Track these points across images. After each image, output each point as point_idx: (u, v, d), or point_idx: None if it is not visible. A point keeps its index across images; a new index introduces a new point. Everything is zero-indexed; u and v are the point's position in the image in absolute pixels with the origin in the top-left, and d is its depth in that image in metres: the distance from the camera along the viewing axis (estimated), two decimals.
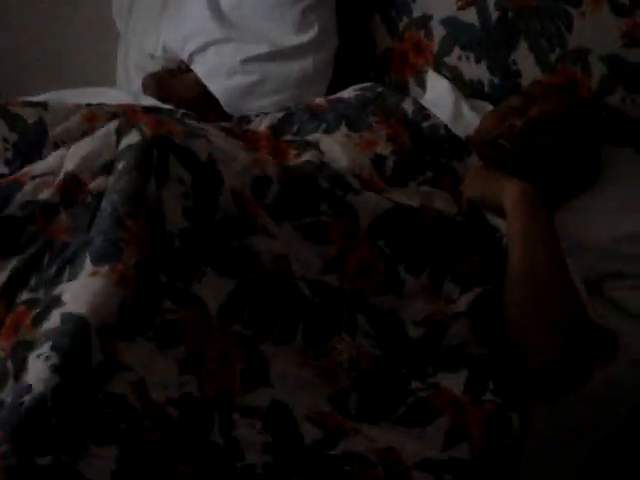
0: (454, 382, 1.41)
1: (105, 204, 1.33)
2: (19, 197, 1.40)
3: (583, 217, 1.80)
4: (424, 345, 1.46)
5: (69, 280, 1.29)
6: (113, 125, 1.45)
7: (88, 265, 1.27)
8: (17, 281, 1.34)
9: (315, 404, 1.32)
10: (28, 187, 1.41)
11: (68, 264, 1.32)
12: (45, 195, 1.40)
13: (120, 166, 1.36)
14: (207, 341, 1.30)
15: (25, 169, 1.48)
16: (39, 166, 1.47)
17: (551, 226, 1.56)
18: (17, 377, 1.18)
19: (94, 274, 1.25)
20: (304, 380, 1.35)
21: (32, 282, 1.34)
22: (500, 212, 1.60)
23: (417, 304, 1.50)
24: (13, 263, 1.36)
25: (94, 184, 1.40)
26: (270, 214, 1.44)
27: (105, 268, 1.25)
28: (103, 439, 1.17)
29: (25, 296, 1.32)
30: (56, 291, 1.28)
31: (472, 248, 1.57)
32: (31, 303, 1.30)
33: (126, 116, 1.49)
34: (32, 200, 1.40)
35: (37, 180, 1.42)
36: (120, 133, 1.43)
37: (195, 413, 1.25)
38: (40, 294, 1.31)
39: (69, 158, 1.45)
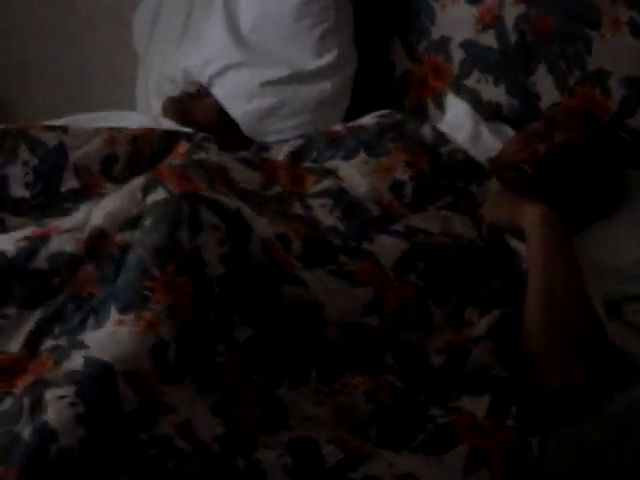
0: (477, 406, 1.40)
1: (131, 257, 1.35)
2: (45, 251, 1.42)
3: (603, 240, 1.80)
4: (446, 372, 1.45)
5: (94, 329, 1.29)
6: (139, 182, 1.48)
7: (114, 314, 1.27)
8: (41, 331, 1.35)
9: (336, 434, 1.32)
10: (54, 240, 1.43)
11: (92, 313, 1.33)
12: (70, 248, 1.42)
13: (147, 222, 1.39)
14: (238, 388, 1.30)
15: (53, 224, 1.50)
16: (67, 220, 1.49)
17: (571, 250, 1.56)
18: (32, 412, 1.16)
19: (120, 322, 1.26)
20: (322, 419, 1.34)
21: (56, 331, 1.35)
22: (520, 236, 1.60)
23: (441, 335, 1.49)
24: (38, 314, 1.37)
25: (120, 237, 1.42)
26: (301, 262, 1.45)
27: (131, 317, 1.26)
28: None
29: (48, 344, 1.33)
30: (79, 337, 1.29)
31: (492, 272, 1.58)
32: (53, 349, 1.30)
33: (152, 173, 1.50)
34: (58, 253, 1.41)
35: (64, 235, 1.44)
36: (146, 190, 1.45)
37: (225, 449, 1.24)
38: (63, 341, 1.31)
39: (95, 213, 1.47)
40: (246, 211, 1.45)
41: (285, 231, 1.49)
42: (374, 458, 1.28)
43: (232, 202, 1.44)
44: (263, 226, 1.45)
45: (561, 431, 1.47)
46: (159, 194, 1.42)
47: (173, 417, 1.21)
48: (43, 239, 1.44)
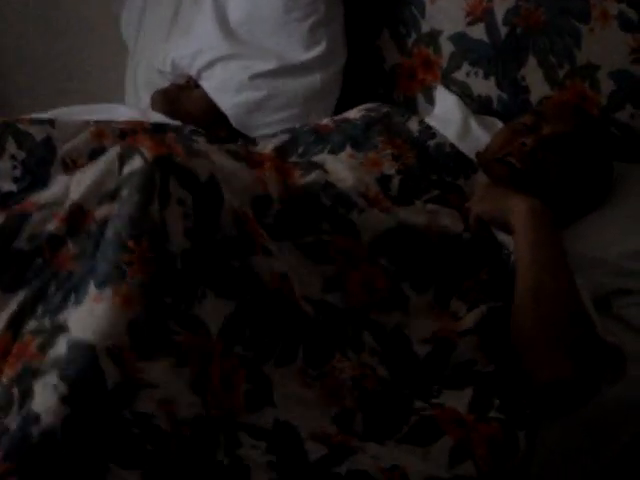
0: (459, 401, 1.40)
1: (109, 230, 1.34)
2: (27, 230, 1.41)
3: (591, 233, 1.80)
4: (431, 363, 1.46)
5: (74, 306, 1.29)
6: (115, 151, 1.45)
7: (92, 290, 1.27)
8: (24, 312, 1.35)
9: (319, 424, 1.32)
10: (35, 218, 1.42)
11: (73, 291, 1.32)
12: (51, 227, 1.41)
13: (123, 193, 1.37)
14: (210, 363, 1.29)
15: (31, 198, 1.48)
16: (45, 195, 1.47)
17: (559, 243, 1.56)
18: (22, 404, 1.18)
19: (98, 298, 1.25)
20: (307, 400, 1.34)
21: (39, 312, 1.34)
22: (508, 229, 1.59)
23: (424, 321, 1.49)
24: (21, 296, 1.36)
25: (98, 212, 1.40)
26: (270, 233, 1.44)
27: (108, 292, 1.25)
28: (128, 462, 1.17)
29: (31, 325, 1.32)
30: (61, 317, 1.28)
31: (479, 265, 1.58)
32: (37, 331, 1.30)
33: (128, 141, 1.48)
34: (39, 233, 1.40)
35: (44, 211, 1.43)
36: (122, 159, 1.43)
37: (202, 433, 1.25)
38: (46, 322, 1.31)
39: (74, 187, 1.46)
40: (219, 175, 1.42)
41: (267, 190, 1.48)
42: (358, 452, 1.29)
43: (205, 167, 1.41)
44: (238, 191, 1.44)
45: (551, 424, 1.48)
46: (135, 162, 1.39)
47: (154, 392, 1.22)
48: (23, 216, 1.43)
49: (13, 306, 1.35)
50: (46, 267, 1.39)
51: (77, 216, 1.41)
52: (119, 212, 1.35)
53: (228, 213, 1.39)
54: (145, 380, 1.22)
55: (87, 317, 1.24)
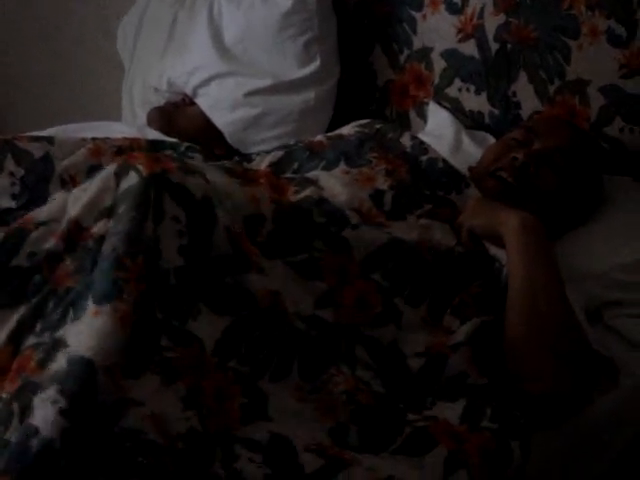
0: (451, 412, 1.41)
1: (105, 246, 1.34)
2: (26, 246, 1.41)
3: (582, 246, 1.81)
4: (424, 376, 1.46)
5: (72, 322, 1.29)
6: (112, 169, 1.46)
7: (91, 305, 1.27)
8: (23, 328, 1.35)
9: (314, 437, 1.33)
10: (34, 236, 1.43)
11: (71, 306, 1.33)
12: (50, 244, 1.42)
13: (120, 210, 1.38)
14: (204, 378, 1.30)
15: (29, 215, 1.49)
16: (43, 212, 1.48)
17: (551, 256, 1.56)
18: (22, 418, 1.18)
19: (97, 313, 1.26)
20: (302, 414, 1.35)
21: (38, 328, 1.35)
22: (500, 242, 1.60)
23: (417, 336, 1.50)
24: (20, 312, 1.37)
25: (96, 228, 1.41)
26: (262, 251, 1.45)
27: (107, 307, 1.26)
28: (121, 474, 1.17)
29: (31, 341, 1.33)
30: (60, 332, 1.29)
31: (471, 279, 1.58)
32: (36, 346, 1.30)
33: (124, 158, 1.49)
34: (38, 250, 1.41)
35: (42, 229, 1.44)
36: (119, 176, 1.43)
37: (198, 446, 1.25)
38: (45, 337, 1.31)
39: (71, 204, 1.46)
40: (213, 193, 1.44)
41: (261, 209, 1.49)
42: (354, 464, 1.29)
43: (200, 186, 1.43)
44: (231, 210, 1.45)
45: (544, 435, 1.48)
46: (131, 179, 1.40)
47: (141, 409, 1.22)
48: (22, 233, 1.43)
49: (12, 322, 1.36)
50: (45, 283, 1.39)
51: (75, 232, 1.42)
52: (115, 228, 1.36)
53: (222, 231, 1.41)
54: (131, 398, 1.22)
55: (86, 332, 1.25)
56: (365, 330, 1.48)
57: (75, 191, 1.49)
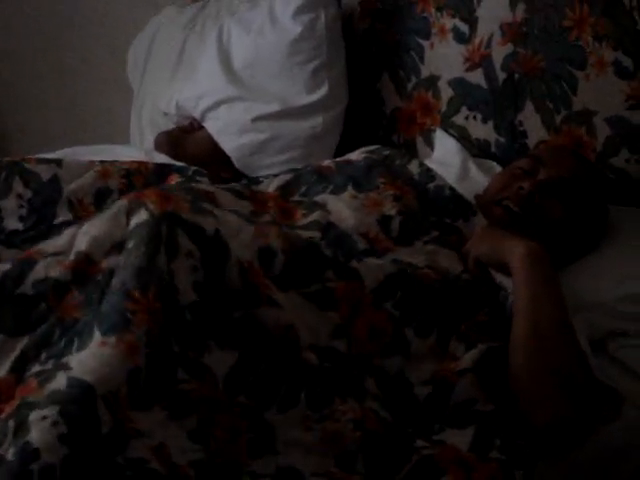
0: (460, 439, 1.40)
1: (115, 280, 1.35)
2: (31, 276, 1.42)
3: (587, 276, 1.80)
4: (431, 404, 1.46)
5: (78, 350, 1.30)
6: (122, 204, 1.48)
7: (97, 336, 1.28)
8: (28, 356, 1.35)
9: (321, 466, 1.33)
10: (40, 265, 1.44)
11: (77, 337, 1.33)
12: (57, 273, 1.42)
13: (130, 245, 1.39)
14: (218, 411, 1.31)
15: (37, 246, 1.50)
16: (51, 244, 1.49)
17: (557, 285, 1.56)
18: (17, 433, 1.17)
19: (103, 344, 1.27)
20: (309, 444, 1.35)
21: (42, 357, 1.35)
22: (506, 270, 1.60)
23: (424, 364, 1.50)
24: (25, 341, 1.37)
25: (105, 263, 1.42)
26: (277, 284, 1.45)
27: (113, 339, 1.27)
28: None
29: (34, 369, 1.33)
30: (64, 360, 1.29)
31: (478, 306, 1.58)
32: (39, 374, 1.30)
33: (135, 194, 1.51)
34: (44, 278, 1.42)
35: (49, 259, 1.45)
36: (130, 212, 1.45)
37: (203, 476, 1.25)
38: (49, 365, 1.32)
39: (80, 238, 1.48)
40: (226, 230, 1.45)
41: (271, 242, 1.49)
42: None
43: (211, 223, 1.44)
44: (243, 245, 1.45)
45: (547, 465, 1.47)
46: (141, 216, 1.42)
47: (147, 441, 1.22)
48: (29, 263, 1.44)
49: (17, 351, 1.36)
50: (51, 313, 1.40)
51: (83, 265, 1.43)
52: (125, 263, 1.37)
53: (234, 265, 1.42)
54: (136, 429, 1.22)
55: (90, 360, 1.25)
56: (375, 360, 1.48)
57: (84, 226, 1.50)
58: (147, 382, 1.26)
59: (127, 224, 1.45)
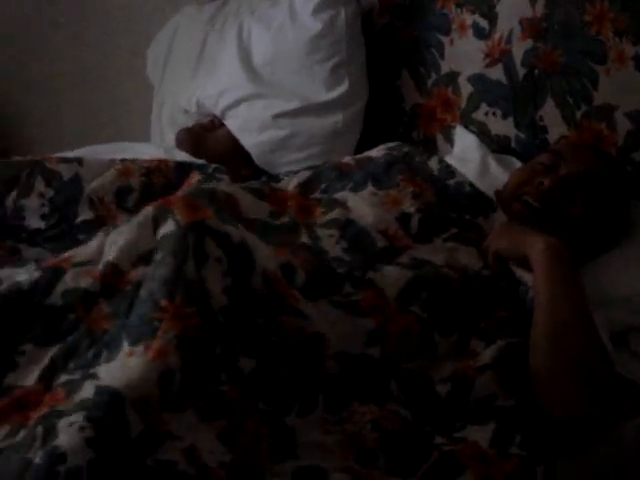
0: (481, 435, 1.40)
1: (143, 291, 1.36)
2: (60, 286, 1.42)
3: (608, 271, 1.80)
4: (451, 401, 1.46)
5: (106, 362, 1.31)
6: (149, 213, 1.48)
7: (125, 347, 1.29)
8: (57, 366, 1.36)
9: (342, 463, 1.33)
10: (69, 276, 1.44)
11: (106, 348, 1.34)
12: (85, 284, 1.43)
13: (158, 257, 1.40)
14: (247, 416, 1.32)
15: (67, 254, 1.50)
16: (79, 253, 1.50)
17: (577, 280, 1.56)
18: (45, 440, 1.18)
19: (130, 354, 1.28)
20: (328, 446, 1.35)
21: (70, 366, 1.35)
22: (526, 265, 1.60)
23: (445, 363, 1.50)
24: (54, 350, 1.38)
25: (133, 274, 1.43)
26: (304, 293, 1.46)
27: (140, 347, 1.28)
28: None
29: (62, 379, 1.33)
30: (92, 370, 1.30)
31: (498, 302, 1.58)
32: (67, 383, 1.31)
33: (161, 202, 1.51)
34: (72, 289, 1.42)
35: (77, 269, 1.45)
36: (156, 221, 1.46)
37: (229, 477, 1.25)
38: (77, 375, 1.32)
39: (108, 247, 1.48)
40: (250, 241, 1.46)
41: (290, 260, 1.49)
42: None
43: (237, 232, 1.45)
44: (266, 257, 1.46)
45: (569, 460, 1.47)
46: (168, 226, 1.43)
47: (178, 443, 1.23)
48: (57, 272, 1.44)
49: (46, 360, 1.36)
50: (80, 323, 1.40)
51: (112, 275, 1.44)
52: (153, 274, 1.38)
53: (259, 275, 1.42)
54: (169, 431, 1.23)
55: (118, 369, 1.26)
56: (402, 364, 1.48)
57: (112, 234, 1.51)
58: (183, 384, 1.27)
59: (154, 233, 1.45)
